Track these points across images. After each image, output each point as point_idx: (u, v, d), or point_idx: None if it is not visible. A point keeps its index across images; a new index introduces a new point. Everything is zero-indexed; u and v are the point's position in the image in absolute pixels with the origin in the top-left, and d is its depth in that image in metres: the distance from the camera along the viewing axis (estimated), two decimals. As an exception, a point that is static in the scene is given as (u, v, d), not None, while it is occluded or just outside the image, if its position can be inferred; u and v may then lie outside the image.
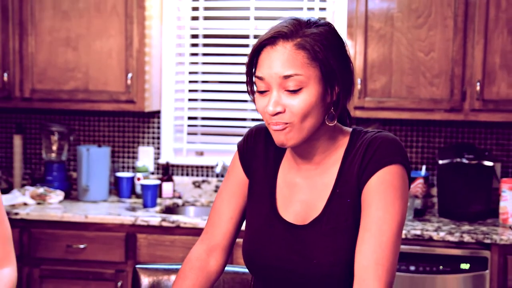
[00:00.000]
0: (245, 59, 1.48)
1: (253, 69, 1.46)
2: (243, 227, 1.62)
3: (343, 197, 1.46)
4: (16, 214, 3.19)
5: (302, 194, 1.52)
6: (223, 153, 3.67)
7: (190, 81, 3.73)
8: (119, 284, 3.12)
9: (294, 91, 1.41)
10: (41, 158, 3.81)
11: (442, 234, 2.94)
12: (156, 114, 3.73)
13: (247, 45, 3.62)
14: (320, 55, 1.40)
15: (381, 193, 1.41)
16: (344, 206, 1.46)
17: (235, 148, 1.65)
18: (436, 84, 3.18)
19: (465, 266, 2.91)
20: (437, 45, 3.16)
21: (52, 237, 3.18)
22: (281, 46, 1.41)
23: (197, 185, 3.70)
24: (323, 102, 1.43)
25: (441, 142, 3.51)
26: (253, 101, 1.48)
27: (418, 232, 2.95)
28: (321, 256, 1.44)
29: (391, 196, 1.41)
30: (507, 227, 3.08)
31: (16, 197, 3.38)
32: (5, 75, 3.43)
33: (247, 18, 3.65)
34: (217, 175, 3.67)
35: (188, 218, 3.17)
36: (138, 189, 3.60)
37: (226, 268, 1.66)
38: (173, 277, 1.84)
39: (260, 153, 1.59)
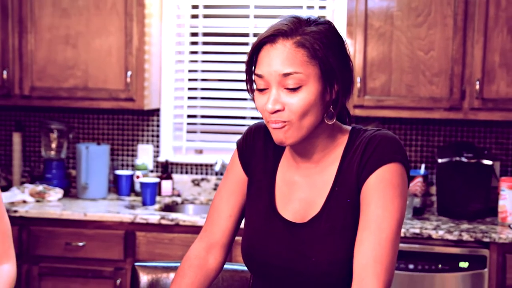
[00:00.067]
0: (244, 57, 1.48)
1: (253, 67, 1.46)
2: (242, 225, 1.62)
3: (342, 196, 1.46)
4: (15, 211, 3.19)
5: (301, 192, 1.52)
6: (223, 151, 3.67)
7: (189, 79, 3.73)
8: (118, 281, 3.13)
9: (294, 89, 1.41)
10: (40, 156, 3.81)
11: (441, 232, 2.94)
12: (156, 112, 3.73)
13: (246, 43, 3.62)
14: (320, 53, 1.40)
15: (380, 191, 1.41)
16: (343, 204, 1.46)
17: (234, 146, 1.65)
18: (435, 82, 3.18)
19: (464, 264, 2.91)
20: (437, 44, 3.16)
21: (51, 235, 3.18)
22: (281, 44, 1.41)
23: (196, 183, 3.70)
24: (322, 101, 1.43)
25: (441, 141, 3.51)
26: (253, 99, 1.48)
27: (417, 231, 2.96)
28: (320, 254, 1.44)
29: (390, 194, 1.41)
30: (506, 226, 3.09)
31: (15, 194, 3.38)
32: (5, 72, 3.43)
33: (247, 17, 3.65)
34: (216, 173, 3.67)
35: (187, 216, 3.17)
36: (137, 187, 3.60)
37: (225, 266, 1.66)
38: (172, 275, 1.84)
39: (259, 151, 1.59)
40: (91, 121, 3.78)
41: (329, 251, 1.44)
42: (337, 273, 1.43)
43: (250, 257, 1.54)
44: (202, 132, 3.76)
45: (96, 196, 3.51)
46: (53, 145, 3.65)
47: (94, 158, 3.51)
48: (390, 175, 1.42)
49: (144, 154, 3.73)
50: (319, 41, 1.41)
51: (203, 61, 3.72)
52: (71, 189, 3.69)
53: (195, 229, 3.04)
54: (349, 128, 1.54)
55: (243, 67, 1.48)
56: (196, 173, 3.72)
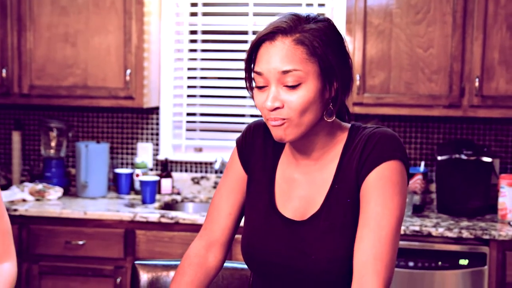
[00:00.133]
0: (244, 55, 1.48)
1: (252, 65, 1.46)
2: (242, 223, 1.62)
3: (342, 193, 1.46)
4: (15, 210, 3.19)
5: (300, 189, 1.52)
6: (222, 149, 3.67)
7: (188, 77, 3.73)
8: (118, 280, 3.13)
9: (293, 87, 1.40)
10: (39, 155, 3.81)
11: (440, 230, 2.94)
12: (155, 110, 3.73)
13: (246, 41, 3.62)
14: (319, 50, 1.40)
15: (380, 188, 1.41)
16: (343, 202, 1.46)
17: (234, 144, 1.65)
18: (434, 80, 3.17)
19: (463, 262, 2.91)
20: (436, 41, 3.16)
21: (51, 234, 3.18)
22: (280, 42, 1.41)
23: (196, 181, 3.70)
24: (321, 98, 1.43)
25: (440, 138, 3.51)
26: (252, 96, 1.48)
27: (417, 228, 2.96)
28: (320, 251, 1.44)
29: (389, 192, 1.41)
30: (506, 223, 3.09)
31: (15, 193, 3.38)
32: (4, 71, 3.43)
33: (246, 14, 3.65)
34: (216, 171, 3.67)
35: (187, 214, 3.17)
36: (137, 186, 3.59)
37: (225, 264, 1.67)
38: (172, 273, 1.84)
39: (258, 148, 1.59)
40: (91, 119, 3.78)
41: (329, 248, 1.44)
42: (336, 270, 1.43)
43: (250, 255, 1.54)
44: (202, 130, 3.76)
45: (95, 195, 3.51)
46: (53, 144, 3.65)
47: (94, 157, 3.51)
48: (390, 172, 1.42)
49: (144, 153, 3.73)
50: (318, 39, 1.41)
51: (202, 59, 3.72)
52: (71, 187, 3.69)
53: (195, 227, 3.04)
54: (349, 125, 1.54)
55: (242, 65, 1.48)
56: (196, 171, 3.72)
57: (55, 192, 3.45)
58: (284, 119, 1.42)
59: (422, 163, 3.42)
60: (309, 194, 1.50)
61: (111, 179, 3.70)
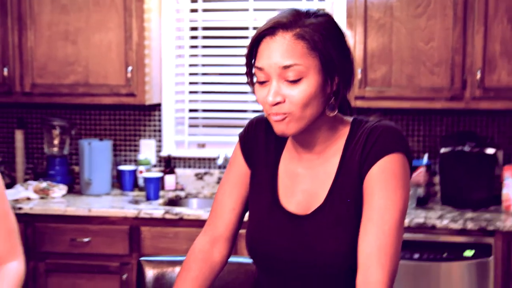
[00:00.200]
0: (245, 51, 1.48)
1: (253, 60, 1.46)
2: (246, 218, 1.62)
3: (345, 187, 1.47)
4: (20, 209, 3.20)
5: (303, 184, 1.52)
6: (225, 144, 3.67)
7: (190, 74, 3.73)
8: (124, 276, 3.14)
9: (294, 81, 1.41)
10: (43, 153, 3.81)
11: (445, 222, 2.95)
12: (157, 107, 3.74)
13: (246, 37, 3.62)
14: (320, 45, 1.40)
15: (383, 182, 1.41)
16: (346, 195, 1.46)
17: (236, 139, 1.65)
18: (436, 73, 3.17)
19: (469, 253, 2.92)
20: (437, 34, 3.16)
21: (56, 231, 3.19)
22: (281, 37, 1.41)
23: (199, 177, 3.70)
24: (323, 92, 1.44)
25: (443, 131, 3.51)
26: (253, 92, 1.48)
27: (421, 220, 2.96)
28: (324, 245, 1.44)
29: (392, 185, 1.41)
30: (510, 214, 3.09)
31: (19, 192, 3.39)
32: (5, 70, 3.43)
33: (246, 10, 3.64)
34: (219, 167, 3.67)
35: (191, 210, 3.18)
36: (140, 182, 3.60)
37: (230, 259, 1.67)
38: (177, 269, 1.84)
39: (261, 143, 1.59)
40: (93, 117, 3.79)
41: (333, 242, 1.44)
42: (340, 264, 1.44)
43: (254, 249, 1.55)
44: (204, 126, 3.76)
45: (99, 192, 3.52)
46: (56, 142, 3.65)
47: (97, 154, 3.52)
48: (392, 165, 1.42)
49: (147, 149, 3.74)
50: (319, 33, 1.41)
51: (203, 55, 3.72)
52: (75, 185, 3.70)
53: (199, 223, 3.05)
54: (351, 119, 1.54)
55: (243, 60, 1.48)
56: (199, 167, 3.72)
57: (59, 190, 3.46)
58: (285, 113, 1.42)
59: (426, 156, 3.42)
60: (312, 188, 1.51)
61: (115, 176, 3.70)
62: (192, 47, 3.73)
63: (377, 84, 3.23)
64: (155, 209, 3.16)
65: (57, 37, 3.41)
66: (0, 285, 1.74)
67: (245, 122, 1.65)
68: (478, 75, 3.12)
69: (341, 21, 3.34)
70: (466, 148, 3.22)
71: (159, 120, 3.74)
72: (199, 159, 3.72)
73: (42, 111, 3.80)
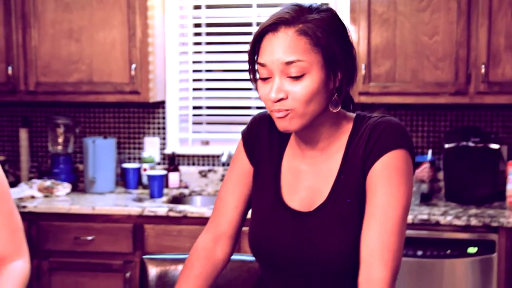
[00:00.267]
0: (248, 47, 1.48)
1: (255, 56, 1.46)
2: (249, 215, 1.62)
3: (348, 183, 1.46)
4: (24, 207, 3.20)
5: (307, 180, 1.52)
6: (229, 142, 3.67)
7: (194, 71, 3.73)
8: (128, 275, 3.14)
9: (297, 78, 1.40)
10: (47, 151, 3.82)
11: (449, 218, 2.94)
12: (161, 104, 3.73)
13: (250, 33, 3.61)
14: (322, 40, 1.40)
15: (386, 178, 1.41)
16: (349, 192, 1.45)
17: (240, 136, 1.65)
18: (440, 67, 3.16)
19: (472, 250, 2.90)
20: (441, 28, 3.14)
21: (60, 230, 3.19)
22: (283, 33, 1.40)
23: (203, 174, 3.70)
24: (326, 88, 1.43)
25: (447, 126, 3.50)
26: (256, 88, 1.48)
27: (425, 217, 2.95)
28: (327, 242, 1.44)
29: (396, 181, 1.41)
30: (515, 210, 3.08)
31: (23, 190, 3.40)
32: (9, 68, 3.44)
33: (250, 6, 3.64)
34: (223, 164, 3.67)
35: (195, 207, 3.18)
36: (144, 180, 3.60)
37: (233, 257, 1.67)
38: (180, 267, 1.84)
39: (264, 140, 1.59)
40: (97, 115, 3.79)
41: (336, 239, 1.44)
42: (343, 261, 1.43)
43: (257, 247, 1.54)
44: (208, 123, 3.76)
45: (103, 190, 3.52)
46: (60, 140, 3.66)
47: (101, 152, 3.52)
48: (396, 161, 1.42)
49: (151, 147, 3.74)
50: (321, 29, 1.40)
51: (207, 52, 3.72)
52: (79, 183, 3.70)
53: (203, 221, 3.04)
54: (354, 115, 1.53)
55: (247, 56, 1.48)
56: (203, 165, 3.72)
57: (63, 188, 3.47)
58: (288, 110, 1.42)
59: (430, 151, 3.41)
60: (315, 185, 1.50)
61: (119, 174, 3.70)
62: (196, 43, 3.72)
63: (381, 80, 3.22)
64: (159, 207, 3.16)
65: (60, 35, 3.41)
66: (5, 284, 1.74)
67: (249, 119, 1.64)
68: (483, 69, 3.10)
69: (344, 16, 3.33)
70: (471, 144, 3.21)
71: (163, 118, 3.74)
72: (203, 156, 3.71)
73: (46, 109, 3.80)
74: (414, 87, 3.19)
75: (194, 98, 3.73)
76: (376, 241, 1.37)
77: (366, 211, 1.42)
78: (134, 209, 3.15)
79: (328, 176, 1.49)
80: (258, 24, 3.58)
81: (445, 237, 2.94)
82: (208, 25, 3.71)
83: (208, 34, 3.72)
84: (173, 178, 3.62)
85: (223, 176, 3.67)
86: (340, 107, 1.48)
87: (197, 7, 3.71)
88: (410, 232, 2.91)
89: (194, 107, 3.74)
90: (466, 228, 2.93)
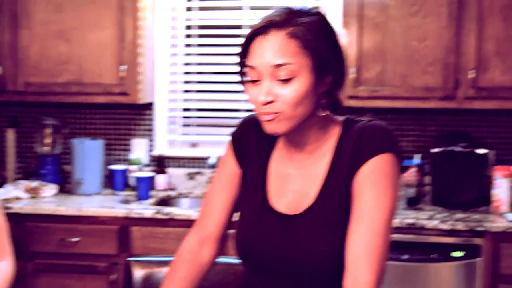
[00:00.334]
0: (239, 50, 1.47)
1: (245, 59, 1.45)
2: (236, 218, 1.61)
3: (335, 187, 1.46)
4: (10, 208, 3.18)
5: (294, 184, 1.51)
6: (218, 144, 3.66)
7: (183, 73, 3.72)
8: (113, 277, 3.12)
9: (286, 80, 1.40)
10: (34, 152, 3.79)
11: (435, 222, 2.94)
12: (150, 106, 3.72)
13: (241, 36, 3.61)
14: (312, 44, 1.40)
15: (373, 182, 1.41)
16: (336, 195, 1.45)
17: (228, 139, 1.64)
18: (430, 72, 3.17)
19: (458, 254, 2.91)
20: (432, 33, 3.15)
21: (45, 231, 3.17)
22: (273, 35, 1.40)
23: (191, 176, 3.69)
24: (314, 92, 1.43)
25: (435, 131, 3.51)
26: (245, 91, 1.48)
27: (411, 221, 2.95)
28: (313, 245, 1.44)
29: (382, 185, 1.41)
30: (500, 215, 3.09)
31: (9, 191, 3.37)
32: (-2, 68, 3.42)
33: (241, 8, 3.63)
34: (211, 167, 3.65)
35: (182, 210, 3.17)
36: (132, 182, 3.58)
37: (219, 259, 1.66)
38: (166, 269, 1.83)
39: (252, 143, 1.58)
40: (86, 116, 3.77)
41: (323, 242, 1.44)
42: (330, 264, 1.43)
43: (243, 249, 1.54)
44: (197, 125, 3.75)
45: (90, 191, 3.50)
46: (47, 141, 3.64)
47: (89, 153, 3.50)
48: (383, 165, 1.42)
49: (139, 149, 3.72)
50: (312, 32, 1.40)
51: (198, 54, 3.71)
52: (66, 184, 3.68)
53: (190, 223, 2.99)
54: (342, 119, 1.53)
55: (237, 59, 1.47)
56: (191, 167, 3.71)
57: (49, 189, 3.44)
58: (276, 112, 1.42)
59: (417, 156, 3.41)
60: (303, 188, 1.50)
61: (106, 175, 3.69)
62: (186, 46, 3.71)
63: (370, 84, 3.22)
64: (146, 209, 3.15)
65: (51, 36, 3.40)
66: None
67: (238, 121, 1.64)
68: (472, 75, 3.11)
69: (336, 19, 3.34)
70: (458, 149, 3.22)
71: (152, 120, 3.73)
72: (191, 158, 3.70)
73: (35, 109, 3.78)
74: (403, 91, 3.19)
75: (183, 100, 3.72)
76: (361, 244, 1.37)
77: (353, 214, 1.42)
78: (120, 210, 3.13)
79: (315, 180, 1.49)
80: (249, 26, 3.58)
81: (431, 241, 2.95)
82: (199, 27, 3.70)
83: (199, 36, 3.71)
84: (161, 180, 3.61)
85: (211, 178, 3.66)
86: (328, 111, 1.48)
87: (188, 9, 3.70)
88: (396, 236, 2.91)
89: (183, 109, 3.73)
90: (451, 233, 2.94)
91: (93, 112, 3.76)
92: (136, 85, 3.38)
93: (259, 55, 1.40)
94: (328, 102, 1.46)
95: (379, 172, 1.41)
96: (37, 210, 3.18)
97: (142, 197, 3.35)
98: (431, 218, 2.99)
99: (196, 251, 1.60)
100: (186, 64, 3.71)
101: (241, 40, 1.46)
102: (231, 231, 1.59)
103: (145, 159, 3.71)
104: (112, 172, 3.57)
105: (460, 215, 3.06)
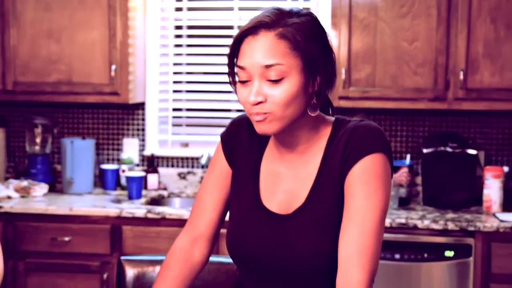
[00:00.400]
0: (229, 50, 1.48)
1: (235, 59, 1.46)
2: (227, 218, 1.62)
3: (326, 187, 1.47)
4: (0, 207, 3.17)
5: (285, 183, 1.52)
6: (208, 144, 3.67)
7: (174, 73, 3.72)
8: (105, 276, 3.12)
9: (276, 81, 1.40)
10: (24, 151, 3.78)
11: (426, 222, 2.96)
12: (141, 105, 3.72)
13: (231, 36, 3.61)
14: (302, 44, 1.40)
15: (364, 182, 1.41)
16: (327, 195, 1.46)
17: (219, 138, 1.65)
18: (420, 73, 3.19)
19: (449, 253, 2.93)
20: (421, 35, 3.17)
21: (36, 230, 3.17)
22: (263, 36, 1.41)
23: (182, 176, 3.69)
24: (304, 92, 1.43)
25: (425, 131, 3.53)
26: (235, 91, 1.48)
27: (403, 221, 2.97)
28: (305, 245, 1.44)
29: (373, 185, 1.41)
30: (491, 215, 3.11)
31: (0, 190, 3.36)
32: (-13, 67, 3.40)
33: (231, 9, 3.64)
34: (203, 166, 3.66)
35: (174, 209, 3.17)
36: (123, 181, 3.58)
37: (212, 259, 1.67)
38: (158, 268, 1.84)
39: (243, 143, 1.59)
40: (76, 115, 3.76)
41: (314, 242, 1.44)
42: (321, 264, 1.44)
43: (235, 249, 1.54)
44: (188, 125, 3.75)
45: (81, 191, 3.50)
46: (38, 140, 3.63)
47: (79, 153, 3.50)
48: (373, 165, 1.42)
49: (130, 148, 3.72)
50: (301, 33, 1.41)
51: (188, 54, 3.71)
52: (57, 184, 3.67)
53: (182, 223, 3.03)
54: (333, 119, 1.54)
55: (227, 59, 1.48)
56: (182, 167, 3.71)
57: (40, 188, 3.44)
58: (266, 113, 1.42)
59: (408, 156, 3.43)
60: (294, 188, 1.50)
61: (97, 175, 3.68)
62: (177, 46, 3.71)
63: (361, 84, 3.24)
64: (137, 209, 3.15)
65: (40, 35, 3.39)
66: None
67: (229, 121, 1.64)
68: (461, 76, 3.14)
69: (325, 21, 3.35)
70: (448, 149, 3.24)
71: (143, 119, 3.73)
72: (182, 158, 3.71)
73: (24, 109, 3.77)
74: (393, 92, 3.21)
75: (174, 100, 3.72)
76: (353, 244, 1.38)
77: (344, 214, 1.42)
78: (112, 210, 3.13)
79: (306, 179, 1.50)
80: (239, 27, 3.59)
81: (422, 240, 2.96)
82: (189, 27, 3.71)
83: (189, 36, 3.71)
84: (152, 179, 3.61)
85: (202, 178, 3.66)
86: (318, 111, 1.49)
87: (178, 9, 3.71)
88: (388, 236, 2.93)
89: (174, 109, 3.74)
90: (443, 232, 2.95)
91: (83, 111, 3.76)
92: (126, 85, 3.38)
93: (249, 55, 1.41)
94: (318, 103, 1.47)
95: (370, 172, 1.42)
96: (28, 209, 3.17)
97: (133, 196, 3.36)
98: (423, 218, 3.01)
99: (188, 250, 1.60)
100: (176, 64, 3.71)
101: (231, 41, 1.47)
102: (223, 230, 1.60)
103: (136, 159, 3.71)
104: (103, 171, 3.56)
105: (451, 215, 3.08)
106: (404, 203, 3.28)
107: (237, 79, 1.47)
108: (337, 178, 1.45)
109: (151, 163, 3.64)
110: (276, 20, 1.41)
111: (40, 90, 3.42)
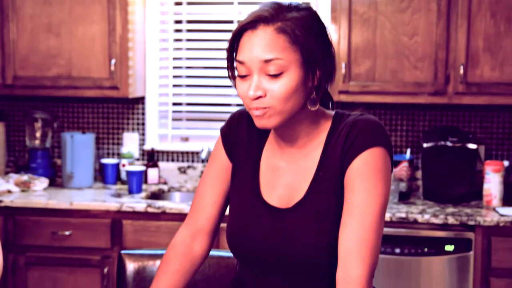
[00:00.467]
0: (228, 45, 1.48)
1: (234, 54, 1.46)
2: (227, 212, 1.62)
3: (326, 180, 1.47)
4: (0, 201, 3.18)
5: (285, 177, 1.52)
6: (208, 138, 3.67)
7: (174, 67, 3.72)
8: (105, 270, 3.13)
9: (275, 76, 1.40)
10: (25, 146, 3.79)
11: (426, 216, 2.96)
12: (141, 100, 3.72)
13: (231, 30, 3.61)
14: (301, 39, 1.40)
15: (364, 175, 1.42)
16: (327, 189, 1.46)
17: (219, 133, 1.65)
18: (420, 67, 3.18)
19: (449, 247, 2.93)
20: (421, 29, 3.17)
21: (37, 224, 3.17)
22: (262, 30, 1.40)
23: (182, 170, 3.69)
24: (304, 86, 1.43)
25: (425, 126, 3.53)
26: (234, 85, 1.48)
27: (403, 215, 2.97)
28: (305, 238, 1.45)
29: (373, 179, 1.41)
30: (491, 209, 3.11)
31: (0, 184, 3.36)
32: (-13, 62, 3.40)
33: (231, 3, 3.63)
34: (203, 161, 3.66)
35: (174, 203, 3.17)
36: (123, 176, 3.59)
37: (212, 253, 1.67)
38: (158, 262, 1.84)
39: (243, 137, 1.59)
40: (76, 109, 3.76)
41: (314, 236, 1.44)
42: (321, 257, 1.44)
43: (235, 243, 1.54)
44: (188, 119, 3.75)
45: (82, 185, 3.50)
46: (38, 135, 3.63)
47: (79, 147, 3.50)
48: (373, 159, 1.42)
49: (130, 142, 3.72)
50: (300, 27, 1.40)
51: (188, 49, 3.71)
52: (57, 178, 3.68)
53: (182, 217, 3.04)
54: (333, 113, 1.54)
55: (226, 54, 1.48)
56: (182, 161, 3.71)
57: (40, 183, 3.44)
58: (266, 107, 1.42)
59: (408, 150, 3.43)
60: (294, 182, 1.51)
61: (97, 169, 3.69)
62: (176, 40, 3.71)
63: (361, 79, 3.23)
64: (138, 203, 3.15)
65: (39, 29, 3.38)
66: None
67: (229, 116, 1.64)
68: (461, 70, 3.13)
69: (325, 15, 3.34)
70: (449, 143, 3.24)
71: (143, 114, 3.73)
72: (183, 152, 3.71)
73: (24, 103, 3.77)
74: (393, 86, 3.21)
75: (174, 94, 3.72)
76: (353, 238, 1.38)
77: (344, 208, 1.42)
78: (112, 204, 3.13)
79: (306, 173, 1.50)
80: (239, 21, 3.58)
81: (422, 235, 2.97)
82: (189, 21, 3.70)
83: (189, 30, 3.71)
84: (152, 174, 3.61)
85: (202, 172, 3.66)
86: (318, 105, 1.48)
87: (178, 3, 3.70)
88: (388, 230, 2.93)
89: (174, 103, 3.73)
90: (443, 227, 2.96)
91: (83, 106, 3.75)
92: (126, 79, 3.38)
93: (248, 50, 1.41)
94: (317, 97, 1.47)
95: (370, 166, 1.42)
96: (28, 203, 3.18)
97: (133, 191, 3.36)
98: (423, 212, 3.01)
99: (188, 244, 1.61)
100: (176, 58, 3.71)
101: (231, 35, 1.47)
102: (224, 224, 1.60)
103: (136, 153, 3.72)
104: (103, 165, 3.57)
105: (451, 209, 3.08)
106: (404, 198, 3.29)
107: (236, 73, 1.47)
108: (337, 172, 1.46)
109: (151, 158, 3.65)
110: (275, 15, 1.41)
111: (40, 84, 3.42)
